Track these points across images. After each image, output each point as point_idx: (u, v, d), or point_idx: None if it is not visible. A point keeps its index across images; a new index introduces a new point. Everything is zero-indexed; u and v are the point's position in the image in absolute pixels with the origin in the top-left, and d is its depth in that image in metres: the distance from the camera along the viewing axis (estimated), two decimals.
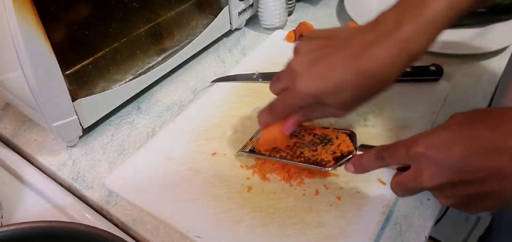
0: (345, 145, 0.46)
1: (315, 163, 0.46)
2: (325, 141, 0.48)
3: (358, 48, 0.38)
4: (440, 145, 0.33)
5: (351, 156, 0.44)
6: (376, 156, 0.39)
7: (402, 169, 0.38)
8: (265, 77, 0.64)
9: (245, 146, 0.52)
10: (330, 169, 0.45)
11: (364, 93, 0.39)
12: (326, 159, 0.46)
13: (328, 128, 0.49)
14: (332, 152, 0.46)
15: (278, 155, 0.48)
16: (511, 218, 0.64)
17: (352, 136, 0.47)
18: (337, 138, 0.47)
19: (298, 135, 0.49)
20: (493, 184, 0.31)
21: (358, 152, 0.43)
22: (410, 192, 0.38)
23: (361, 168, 0.42)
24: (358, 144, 0.45)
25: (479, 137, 0.32)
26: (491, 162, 0.31)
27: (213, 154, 0.53)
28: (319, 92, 0.40)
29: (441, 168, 0.33)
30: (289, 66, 0.42)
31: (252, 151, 0.50)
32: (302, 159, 0.47)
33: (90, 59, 0.56)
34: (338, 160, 0.45)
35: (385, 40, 0.37)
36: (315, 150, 0.47)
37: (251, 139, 0.53)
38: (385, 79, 0.38)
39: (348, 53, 0.38)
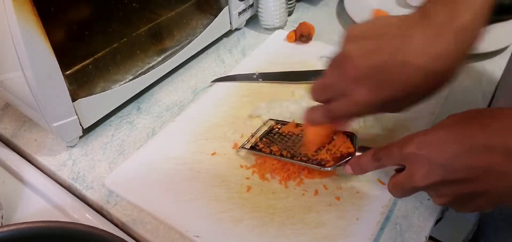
0: (345, 146, 0.46)
1: (315, 162, 0.46)
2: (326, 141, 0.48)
3: (420, 46, 0.35)
4: (432, 145, 0.34)
5: (350, 157, 0.44)
6: (373, 158, 0.40)
7: (399, 170, 0.38)
8: (265, 77, 0.64)
9: (247, 142, 0.52)
10: (329, 169, 0.45)
11: (430, 91, 0.37)
12: (325, 159, 0.46)
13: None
14: (332, 152, 0.46)
15: (278, 154, 0.48)
16: (499, 224, 0.64)
17: (352, 137, 0.47)
18: (337, 138, 0.47)
19: (300, 133, 0.49)
20: (485, 182, 0.32)
21: (357, 154, 0.44)
22: (406, 193, 0.38)
23: (359, 170, 0.42)
24: (358, 145, 0.46)
25: (471, 136, 0.32)
26: (483, 161, 0.31)
27: (213, 154, 0.53)
28: (389, 99, 0.37)
29: (434, 167, 0.33)
30: (342, 73, 0.38)
31: (253, 147, 0.51)
32: (302, 158, 0.47)
33: (90, 59, 0.56)
34: (338, 160, 0.45)
35: (445, 33, 0.35)
36: (316, 150, 0.47)
37: (252, 136, 0.53)
38: (450, 73, 0.36)
39: (411, 54, 0.35)
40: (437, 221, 0.52)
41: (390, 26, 0.38)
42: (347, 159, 0.44)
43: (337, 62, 0.39)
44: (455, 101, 0.60)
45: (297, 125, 0.51)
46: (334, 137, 0.47)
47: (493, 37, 0.69)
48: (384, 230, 0.45)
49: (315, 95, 0.42)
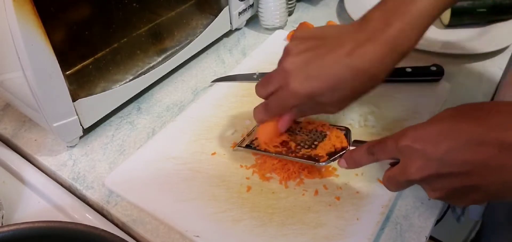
0: (339, 141, 0.46)
1: (309, 158, 0.46)
2: (320, 137, 0.48)
3: (350, 47, 0.39)
4: (427, 138, 0.34)
5: (344, 152, 0.44)
6: (367, 151, 0.40)
7: (394, 164, 0.38)
8: None
9: (242, 141, 0.52)
10: (323, 164, 0.45)
11: (357, 90, 0.41)
12: (319, 155, 0.46)
13: (324, 124, 0.50)
14: (327, 147, 0.46)
15: (273, 150, 0.48)
16: (501, 222, 0.64)
17: (347, 132, 0.48)
18: (332, 134, 0.47)
19: (294, 130, 0.49)
20: (480, 177, 0.32)
21: (352, 148, 0.44)
22: (401, 186, 0.38)
23: (353, 163, 0.42)
24: (352, 140, 0.46)
25: (465, 130, 0.32)
26: (477, 155, 0.31)
27: (212, 154, 0.53)
28: (314, 91, 0.41)
29: (428, 160, 0.33)
30: (280, 66, 0.43)
31: (248, 146, 0.51)
32: (297, 154, 0.47)
33: (91, 59, 0.56)
34: (332, 155, 0.45)
35: (376, 39, 0.39)
36: (309, 146, 0.47)
37: (248, 135, 0.53)
38: (377, 75, 0.40)
39: (340, 53, 0.40)
40: (437, 221, 0.52)
41: (332, 31, 0.43)
42: (341, 153, 0.44)
43: (280, 59, 0.44)
44: (455, 101, 0.60)
45: (294, 122, 0.51)
46: (330, 133, 0.47)
47: (493, 37, 0.69)
48: (384, 230, 0.45)
49: (257, 90, 0.46)
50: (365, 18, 0.41)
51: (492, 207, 0.61)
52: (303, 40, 0.43)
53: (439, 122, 0.34)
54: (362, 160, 0.41)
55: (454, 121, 0.33)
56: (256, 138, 0.51)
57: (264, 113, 0.46)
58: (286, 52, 0.43)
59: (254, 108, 0.48)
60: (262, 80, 0.46)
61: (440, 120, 0.34)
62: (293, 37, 0.45)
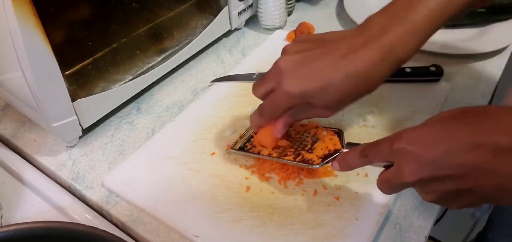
0: (332, 143, 0.46)
1: (303, 160, 0.46)
2: (313, 139, 0.48)
3: (345, 50, 0.40)
4: (421, 141, 0.34)
5: (338, 154, 0.44)
6: (360, 154, 0.40)
7: (387, 167, 0.38)
8: None
9: (235, 143, 0.52)
10: (316, 166, 0.45)
11: (350, 94, 0.41)
12: (313, 157, 0.46)
13: (317, 126, 0.50)
14: (319, 150, 0.46)
15: (266, 153, 0.48)
16: (508, 216, 0.65)
17: (340, 134, 0.47)
18: (325, 135, 0.47)
19: (287, 132, 0.49)
20: (473, 180, 0.32)
21: (345, 150, 0.44)
22: (395, 189, 0.38)
23: (346, 166, 0.42)
24: (345, 142, 0.46)
25: (460, 134, 0.32)
26: (472, 158, 0.31)
27: (212, 154, 0.53)
28: (306, 92, 0.41)
29: (422, 163, 0.33)
30: (275, 66, 0.43)
31: (241, 148, 0.51)
32: (290, 157, 0.47)
33: (90, 59, 0.56)
34: (326, 158, 0.45)
35: (371, 44, 0.39)
36: (303, 148, 0.47)
37: (241, 137, 0.53)
38: (371, 81, 0.40)
39: (335, 55, 0.40)
40: (437, 221, 0.52)
41: (332, 35, 0.43)
42: (335, 156, 0.44)
43: (276, 61, 0.44)
44: (454, 101, 0.60)
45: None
46: (323, 136, 0.47)
47: (492, 37, 0.69)
48: (383, 230, 0.45)
49: (254, 90, 0.46)
50: (366, 22, 0.42)
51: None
52: (301, 42, 0.44)
53: (434, 125, 0.34)
54: (355, 163, 0.41)
55: (448, 124, 0.33)
56: (250, 140, 0.51)
57: (259, 117, 0.46)
58: (283, 51, 0.44)
59: (250, 116, 0.48)
60: (258, 79, 0.46)
61: (435, 123, 0.34)
62: (293, 39, 0.45)
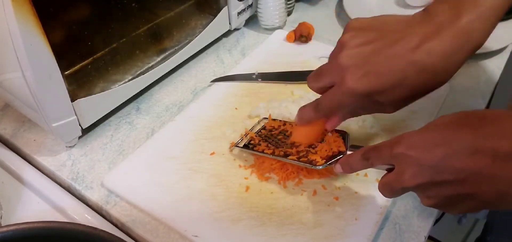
0: (336, 145, 0.46)
1: (307, 161, 0.46)
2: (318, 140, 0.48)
3: (417, 41, 0.36)
4: (422, 146, 0.33)
5: (341, 156, 0.44)
6: (362, 157, 0.39)
7: (390, 170, 0.38)
8: (265, 77, 0.64)
9: (241, 140, 0.52)
10: (320, 167, 0.45)
11: (420, 88, 0.38)
12: (316, 158, 0.46)
13: None
14: (323, 151, 0.46)
15: (269, 152, 0.48)
16: (506, 219, 0.65)
17: (344, 136, 0.47)
18: (329, 137, 0.47)
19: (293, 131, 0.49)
20: (473, 185, 0.31)
21: (349, 152, 0.44)
22: (395, 193, 0.38)
23: (348, 168, 0.42)
24: (349, 144, 0.46)
25: (460, 139, 0.32)
26: (472, 163, 0.31)
27: (212, 154, 0.53)
28: (373, 89, 0.37)
29: (422, 168, 0.33)
30: (335, 60, 0.39)
31: (246, 146, 0.51)
32: (294, 156, 0.47)
33: (90, 59, 0.56)
34: (329, 159, 0.45)
35: (446, 31, 0.36)
36: (307, 148, 0.47)
37: (246, 135, 0.53)
38: (447, 71, 0.37)
39: (405, 47, 0.36)
40: (436, 221, 0.52)
41: (392, 22, 0.39)
42: (338, 158, 0.44)
43: (333, 51, 0.40)
44: (454, 101, 0.60)
45: (291, 124, 0.51)
46: (328, 137, 0.47)
47: (492, 37, 0.69)
48: (383, 230, 0.45)
49: (310, 81, 0.43)
50: (428, 11, 0.38)
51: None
52: (360, 31, 0.39)
53: (433, 129, 0.34)
54: (357, 166, 0.41)
55: (448, 129, 0.33)
56: (253, 138, 0.51)
57: (315, 112, 0.43)
58: (341, 44, 0.39)
59: (301, 108, 0.45)
60: (314, 72, 0.42)
61: (434, 127, 0.34)
62: (348, 28, 0.40)
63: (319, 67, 0.42)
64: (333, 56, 0.40)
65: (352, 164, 0.41)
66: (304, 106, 0.45)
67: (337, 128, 0.49)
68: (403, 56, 0.36)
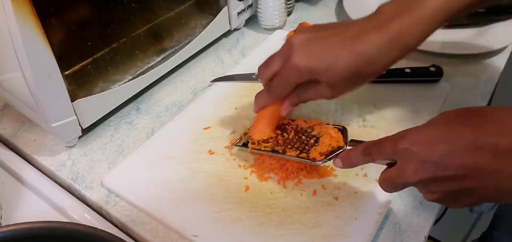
0: (335, 140, 0.46)
1: (307, 157, 0.46)
2: (316, 136, 0.48)
3: (356, 32, 0.41)
4: (424, 142, 0.34)
5: (341, 151, 0.44)
6: (363, 152, 0.40)
7: (390, 165, 0.38)
8: None
9: (239, 140, 0.52)
10: (320, 163, 0.45)
11: (355, 73, 0.42)
12: (316, 154, 0.46)
13: (321, 123, 0.50)
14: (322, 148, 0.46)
15: (270, 149, 0.48)
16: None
17: (343, 131, 0.48)
18: (328, 133, 0.47)
19: (290, 129, 0.50)
20: (474, 180, 0.32)
21: (348, 147, 0.44)
22: (396, 188, 0.38)
23: (349, 163, 0.42)
24: (349, 139, 0.46)
25: (462, 135, 0.33)
26: (473, 159, 0.32)
27: (211, 153, 0.53)
28: (314, 66, 0.42)
29: (425, 164, 0.34)
30: (285, 44, 0.45)
31: (245, 144, 0.51)
32: (293, 153, 0.47)
33: (90, 59, 0.56)
34: (329, 154, 0.45)
35: (381, 29, 0.41)
36: (306, 144, 0.47)
37: (245, 134, 0.53)
38: (377, 63, 0.41)
39: (344, 36, 0.42)
40: (437, 221, 0.52)
41: (342, 22, 0.45)
42: (338, 152, 0.44)
43: (287, 40, 0.45)
44: (454, 101, 0.60)
45: (290, 121, 0.51)
46: (327, 132, 0.47)
47: (492, 36, 0.69)
48: (383, 229, 0.45)
49: (260, 71, 0.48)
50: (378, 10, 0.43)
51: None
52: (311, 29, 0.46)
53: (436, 126, 0.35)
54: (358, 160, 0.41)
55: (450, 125, 0.34)
56: (252, 138, 0.51)
57: (267, 95, 0.48)
58: (295, 31, 0.47)
59: (256, 95, 0.49)
60: (265, 60, 0.47)
61: (437, 123, 0.35)
62: (297, 30, 0.48)
63: (269, 56, 0.47)
64: (282, 48, 0.46)
65: (352, 159, 0.42)
66: (258, 93, 0.49)
67: (336, 124, 0.49)
68: (340, 42, 0.42)
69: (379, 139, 0.39)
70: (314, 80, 0.43)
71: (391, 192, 0.40)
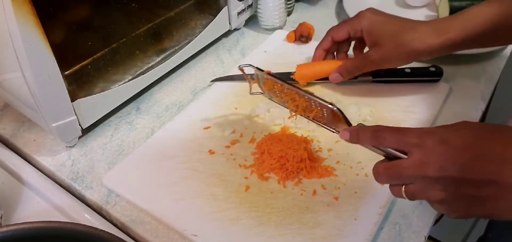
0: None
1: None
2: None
3: (423, 32, 0.54)
4: (454, 143, 0.35)
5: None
6: (374, 134, 0.39)
7: (389, 158, 0.38)
8: None
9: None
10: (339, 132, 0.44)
11: (397, 58, 0.56)
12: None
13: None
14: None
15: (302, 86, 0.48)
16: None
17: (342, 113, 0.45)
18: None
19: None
20: (494, 190, 0.33)
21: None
22: (398, 179, 0.37)
23: (356, 138, 0.41)
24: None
25: (492, 146, 0.34)
26: (499, 170, 0.33)
27: (211, 153, 0.53)
28: (382, 58, 0.56)
29: (450, 163, 0.34)
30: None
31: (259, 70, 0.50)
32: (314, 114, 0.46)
33: (89, 59, 0.56)
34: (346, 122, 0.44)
35: (441, 33, 0.53)
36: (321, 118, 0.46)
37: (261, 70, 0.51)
38: (424, 58, 0.55)
39: (414, 37, 0.54)
40: (436, 221, 0.52)
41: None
42: (355, 126, 0.42)
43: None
44: (454, 101, 0.60)
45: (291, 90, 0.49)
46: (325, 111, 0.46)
47: None
48: (383, 230, 0.45)
49: (334, 29, 0.60)
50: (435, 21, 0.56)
51: None
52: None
53: (464, 131, 0.35)
54: (365, 139, 0.40)
55: (481, 134, 0.35)
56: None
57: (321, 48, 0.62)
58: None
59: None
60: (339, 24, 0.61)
61: (464, 129, 0.35)
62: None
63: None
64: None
65: (360, 135, 0.41)
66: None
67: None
68: (407, 40, 0.54)
69: (397, 127, 0.38)
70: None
71: (386, 183, 0.39)
